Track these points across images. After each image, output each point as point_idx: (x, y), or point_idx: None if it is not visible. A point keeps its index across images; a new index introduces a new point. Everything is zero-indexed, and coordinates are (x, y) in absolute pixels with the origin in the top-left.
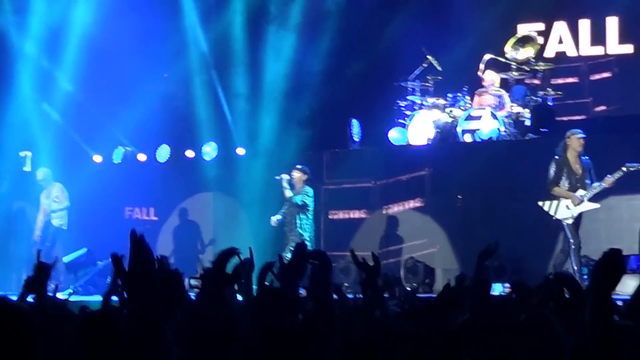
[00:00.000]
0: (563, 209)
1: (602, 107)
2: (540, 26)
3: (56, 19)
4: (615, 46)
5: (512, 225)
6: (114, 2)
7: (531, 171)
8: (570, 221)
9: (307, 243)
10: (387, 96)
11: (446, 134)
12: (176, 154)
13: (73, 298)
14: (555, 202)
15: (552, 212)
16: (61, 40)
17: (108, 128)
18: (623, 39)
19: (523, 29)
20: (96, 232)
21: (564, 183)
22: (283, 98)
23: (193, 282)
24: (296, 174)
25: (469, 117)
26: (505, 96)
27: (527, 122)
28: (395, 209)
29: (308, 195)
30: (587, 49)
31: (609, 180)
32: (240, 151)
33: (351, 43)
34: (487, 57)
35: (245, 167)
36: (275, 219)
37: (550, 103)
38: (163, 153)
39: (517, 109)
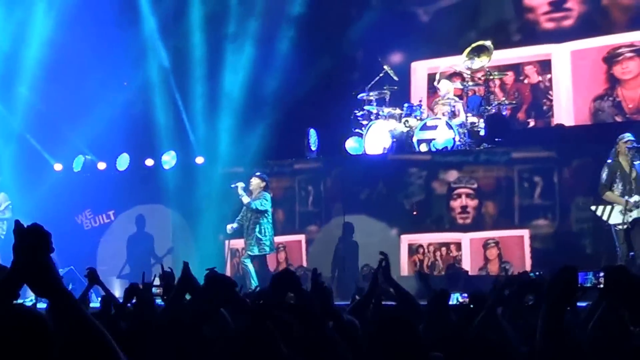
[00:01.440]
0: (616, 214)
1: None
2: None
3: (15, 27)
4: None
5: None
6: (73, 12)
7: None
8: (621, 227)
9: (266, 247)
10: (344, 106)
11: (402, 144)
12: (136, 162)
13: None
14: (608, 207)
15: (604, 217)
16: (20, 48)
17: (68, 136)
18: None
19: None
20: (57, 240)
21: (618, 187)
22: (242, 108)
23: (155, 289)
24: (255, 181)
25: (425, 127)
26: (460, 105)
27: (482, 132)
28: (352, 216)
29: (266, 200)
30: None
31: None
32: (199, 160)
33: (309, 53)
34: (443, 67)
35: (204, 175)
36: (230, 226)
37: (504, 113)
38: (123, 161)
39: (471, 118)
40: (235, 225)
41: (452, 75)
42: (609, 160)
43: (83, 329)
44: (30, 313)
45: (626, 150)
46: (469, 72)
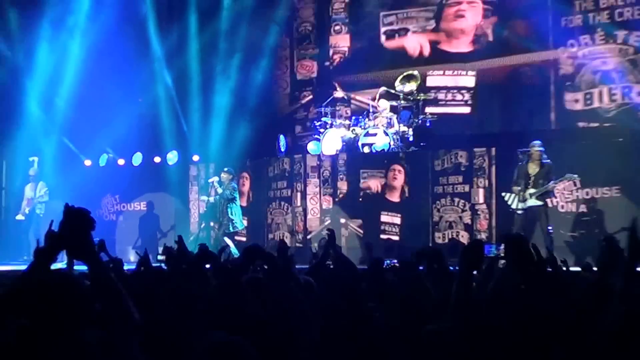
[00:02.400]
0: (515, 202)
1: None
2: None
3: (56, 55)
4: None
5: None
6: (101, 44)
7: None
8: (520, 212)
9: (237, 224)
10: (307, 117)
11: (350, 146)
12: (147, 159)
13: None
14: (512, 196)
15: (509, 203)
16: (60, 71)
17: (96, 139)
18: None
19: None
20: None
21: (520, 183)
22: (229, 117)
23: (160, 257)
24: (224, 175)
25: (367, 134)
26: (394, 118)
27: (411, 138)
28: (312, 201)
29: (235, 189)
30: None
31: (551, 185)
32: (196, 158)
33: (283, 76)
34: (382, 89)
35: (199, 170)
36: (205, 198)
37: (428, 124)
38: (137, 158)
39: (403, 128)
40: (210, 198)
41: (388, 95)
42: (519, 163)
43: (107, 282)
44: (67, 275)
45: (536, 155)
46: (401, 93)
